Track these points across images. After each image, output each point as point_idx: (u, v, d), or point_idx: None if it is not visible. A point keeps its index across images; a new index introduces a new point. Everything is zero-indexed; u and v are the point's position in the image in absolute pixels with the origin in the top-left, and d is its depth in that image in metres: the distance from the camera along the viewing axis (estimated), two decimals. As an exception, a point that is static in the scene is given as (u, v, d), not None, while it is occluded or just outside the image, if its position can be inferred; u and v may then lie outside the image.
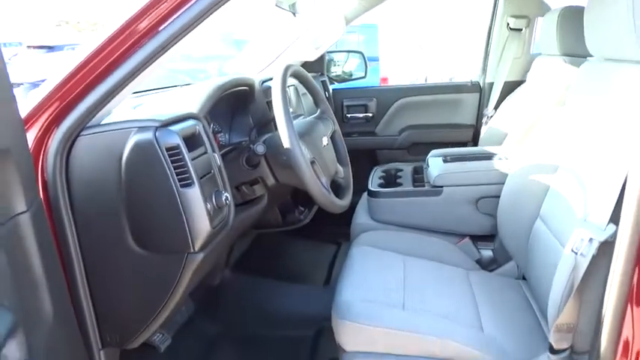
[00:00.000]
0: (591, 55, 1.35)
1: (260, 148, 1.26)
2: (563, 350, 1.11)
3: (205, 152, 1.15)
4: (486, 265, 1.74)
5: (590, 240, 1.00)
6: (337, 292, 1.39)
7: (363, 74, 3.05)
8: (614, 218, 0.99)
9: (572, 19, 1.97)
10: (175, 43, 1.02)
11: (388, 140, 2.83)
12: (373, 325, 1.24)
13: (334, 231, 2.36)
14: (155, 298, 1.12)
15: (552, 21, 2.03)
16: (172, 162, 1.03)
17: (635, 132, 1.06)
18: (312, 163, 1.34)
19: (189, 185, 1.04)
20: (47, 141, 1.04)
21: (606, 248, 0.99)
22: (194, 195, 1.05)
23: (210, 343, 1.79)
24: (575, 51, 1.98)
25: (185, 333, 1.81)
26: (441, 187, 1.78)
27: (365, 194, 2.07)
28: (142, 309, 1.14)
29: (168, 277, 1.10)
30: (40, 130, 1.03)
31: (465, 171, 1.81)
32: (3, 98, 0.75)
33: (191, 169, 1.05)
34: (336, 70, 3.16)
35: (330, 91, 2.81)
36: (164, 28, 1.01)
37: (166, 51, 1.02)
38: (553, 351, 1.11)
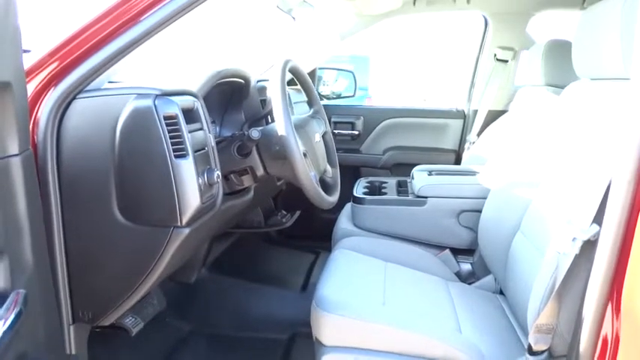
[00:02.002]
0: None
1: (255, 133, 1.26)
2: (542, 352, 1.12)
3: (201, 129, 1.15)
4: (465, 278, 1.75)
5: (574, 239, 1.02)
6: (318, 288, 1.37)
7: (352, 93, 3.11)
8: (598, 220, 1.02)
9: (557, 51, 2.06)
10: (183, 15, 1.03)
11: (372, 159, 2.87)
12: (354, 318, 1.23)
13: (314, 242, 2.36)
14: (134, 272, 1.09)
15: (538, 52, 2.12)
16: (169, 131, 1.02)
17: (619, 139, 1.10)
18: (305, 155, 1.35)
19: (183, 157, 1.04)
20: (42, 99, 1.03)
21: (588, 248, 1.01)
22: (187, 167, 1.04)
23: (180, 340, 1.74)
24: (558, 82, 2.07)
25: (155, 327, 1.75)
26: (426, 197, 1.81)
27: (348, 205, 2.08)
28: (120, 283, 1.11)
29: (150, 251, 1.07)
30: (36, 87, 1.02)
31: (450, 183, 1.84)
32: (7, 35, 0.75)
33: (187, 140, 1.05)
34: (324, 90, 3.22)
35: (319, 106, 2.85)
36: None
37: (174, 21, 1.03)
38: (531, 352, 1.11)
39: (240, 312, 1.88)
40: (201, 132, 1.14)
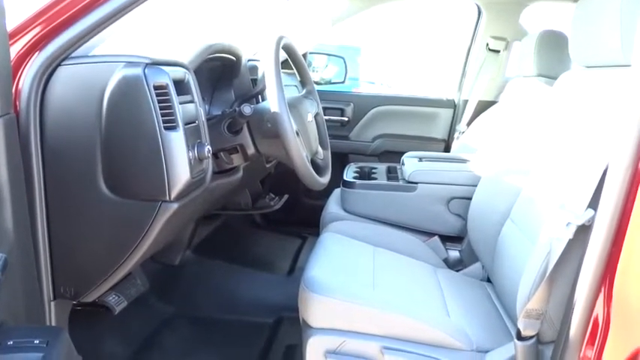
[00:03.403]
0: None
1: (247, 109, 1.23)
2: (530, 337, 1.11)
3: (192, 101, 1.11)
4: (453, 265, 1.75)
5: (568, 224, 1.02)
6: (307, 269, 1.35)
7: (342, 79, 3.07)
8: (593, 205, 1.01)
9: (551, 41, 2.06)
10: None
11: (361, 146, 2.85)
12: (343, 300, 1.21)
13: (301, 227, 2.34)
14: (119, 248, 1.06)
15: (531, 43, 2.12)
16: (159, 102, 0.99)
17: (617, 126, 1.10)
18: (297, 134, 1.32)
19: (173, 128, 1.00)
20: (26, 64, 0.98)
21: (582, 233, 1.01)
22: (177, 139, 1.01)
23: (163, 322, 1.71)
24: (551, 72, 2.06)
25: (138, 308, 1.72)
26: (416, 183, 1.80)
27: (337, 190, 2.06)
28: (104, 259, 1.07)
29: (137, 226, 1.04)
30: (20, 51, 0.97)
31: (440, 170, 1.83)
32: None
33: (178, 112, 1.01)
34: (314, 76, 3.18)
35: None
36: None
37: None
38: (520, 337, 1.11)
39: (225, 295, 1.85)
40: (192, 105, 1.11)
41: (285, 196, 2.03)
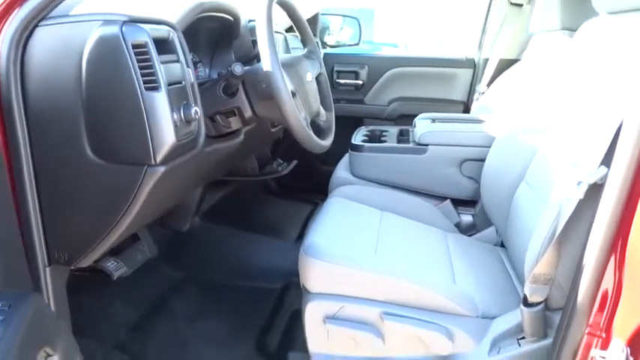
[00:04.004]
0: None
1: (238, 68, 1.17)
2: (538, 304, 1.05)
3: (177, 61, 1.06)
4: (465, 230, 1.69)
5: (579, 183, 0.94)
6: (307, 235, 1.32)
7: (357, 41, 2.97)
8: (606, 163, 0.93)
9: None
10: None
11: (376, 110, 2.76)
12: (342, 264, 1.18)
13: (312, 193, 2.30)
14: (109, 212, 1.04)
15: None
16: (138, 61, 0.94)
17: (634, 77, 1.00)
18: (293, 95, 1.26)
19: (155, 89, 0.96)
20: (2, 27, 0.95)
21: (594, 193, 0.93)
22: (160, 100, 0.96)
23: (172, 287, 1.72)
24: (575, 24, 1.92)
25: (146, 274, 1.73)
26: (426, 145, 1.72)
27: (346, 156, 2.00)
28: (94, 224, 1.06)
29: (124, 190, 1.02)
30: (-6, 11, 0.93)
31: (452, 130, 1.75)
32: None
33: (159, 71, 0.97)
34: (329, 40, 3.07)
35: (322, 54, 2.73)
36: None
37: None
38: (526, 303, 1.05)
39: (233, 261, 1.84)
40: (177, 64, 1.06)
41: (294, 162, 1.98)
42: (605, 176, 0.90)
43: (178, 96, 1.04)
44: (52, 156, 1.02)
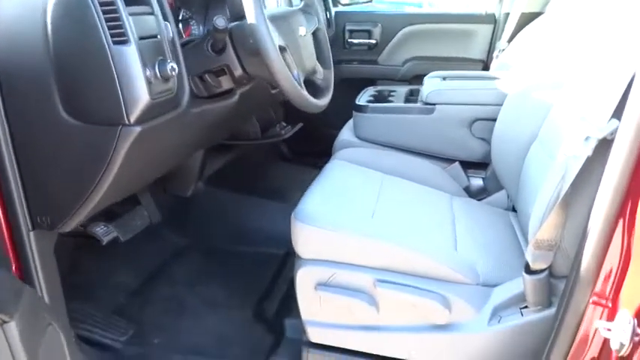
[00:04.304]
0: None
1: (220, 21, 1.09)
2: (541, 271, 0.98)
3: (151, 13, 0.99)
4: (475, 194, 1.60)
5: (587, 138, 0.84)
6: (301, 200, 1.26)
7: (370, -2, 2.83)
8: (617, 116, 0.83)
9: None
10: None
11: (391, 70, 2.64)
12: (332, 229, 1.12)
13: (318, 157, 2.22)
14: (86, 175, 1.00)
15: None
16: (104, 12, 0.88)
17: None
18: (283, 50, 1.18)
19: (124, 42, 0.90)
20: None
21: (602, 149, 0.84)
22: (129, 54, 0.90)
23: (174, 253, 1.70)
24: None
25: (149, 240, 1.72)
26: (434, 104, 1.61)
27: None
28: (73, 186, 1.03)
29: (100, 151, 0.97)
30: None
31: (462, 88, 1.64)
32: None
33: (127, 23, 0.90)
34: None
35: (333, 12, 2.61)
36: None
37: None
38: (529, 271, 0.98)
39: (236, 226, 1.81)
40: (151, 17, 0.99)
41: (299, 125, 1.91)
42: (616, 131, 0.81)
43: (153, 51, 0.97)
44: (27, 118, 0.99)
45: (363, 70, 2.65)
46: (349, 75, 2.62)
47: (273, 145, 2.20)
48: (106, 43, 0.88)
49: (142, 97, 0.93)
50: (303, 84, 1.24)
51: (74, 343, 1.09)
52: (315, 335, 1.16)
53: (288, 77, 1.13)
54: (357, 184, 1.39)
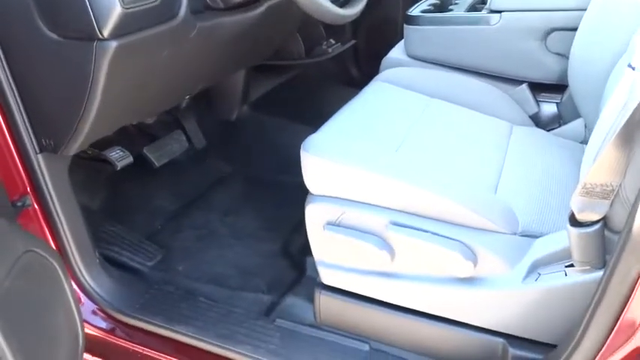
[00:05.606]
0: None
1: None
2: (591, 224, 0.76)
3: None
4: (546, 123, 1.33)
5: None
6: (322, 126, 1.12)
7: None
8: None
9: None
10: None
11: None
12: (341, 163, 0.97)
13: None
14: (75, 93, 0.95)
15: None
16: None
17: None
18: None
19: None
20: None
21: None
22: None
23: (217, 181, 1.66)
24: None
25: (193, 165, 1.69)
26: (500, 12, 1.31)
27: None
28: (66, 106, 0.99)
29: (82, 69, 0.91)
30: None
31: (537, -9, 1.31)
32: None
33: None
34: None
35: None
36: None
37: None
38: (574, 222, 0.76)
39: (280, 154, 1.70)
40: None
41: (351, 42, 1.71)
42: None
43: None
44: (14, 35, 0.94)
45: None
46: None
47: (326, 67, 2.01)
48: None
49: (111, 5, 0.82)
50: None
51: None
52: (326, 277, 1.05)
53: None
54: (393, 110, 1.20)
